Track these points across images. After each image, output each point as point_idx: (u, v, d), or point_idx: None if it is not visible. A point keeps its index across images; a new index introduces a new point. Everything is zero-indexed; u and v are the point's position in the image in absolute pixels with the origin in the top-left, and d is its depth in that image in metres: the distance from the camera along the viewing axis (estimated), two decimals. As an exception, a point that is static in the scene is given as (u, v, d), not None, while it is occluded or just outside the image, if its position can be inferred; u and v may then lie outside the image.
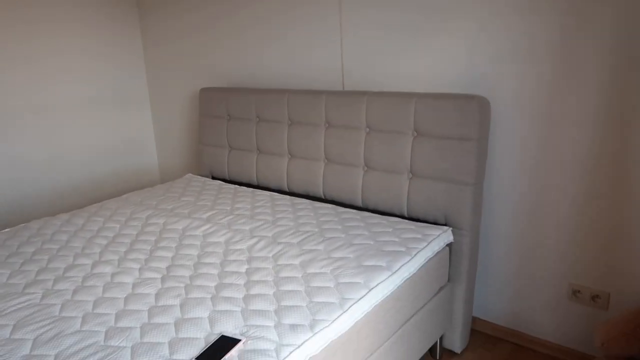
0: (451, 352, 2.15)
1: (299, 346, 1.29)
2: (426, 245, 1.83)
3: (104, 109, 3.19)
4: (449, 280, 2.05)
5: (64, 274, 1.72)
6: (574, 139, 1.88)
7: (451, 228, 1.99)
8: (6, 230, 2.17)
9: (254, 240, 1.92)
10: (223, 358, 1.22)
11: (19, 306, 1.52)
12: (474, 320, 2.31)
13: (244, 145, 2.71)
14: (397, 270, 1.67)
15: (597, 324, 1.97)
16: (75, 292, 1.60)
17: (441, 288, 1.98)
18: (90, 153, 3.16)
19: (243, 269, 1.71)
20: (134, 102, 3.36)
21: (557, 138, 1.92)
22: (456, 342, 2.12)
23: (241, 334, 1.33)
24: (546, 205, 2.00)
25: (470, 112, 1.90)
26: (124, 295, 1.56)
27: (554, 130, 1.92)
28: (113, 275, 1.70)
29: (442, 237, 1.92)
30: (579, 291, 1.99)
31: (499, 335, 2.25)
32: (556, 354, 2.10)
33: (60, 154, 3.01)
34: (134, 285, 1.62)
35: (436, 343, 2.10)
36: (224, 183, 2.72)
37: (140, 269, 1.73)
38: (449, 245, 2.00)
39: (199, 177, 2.86)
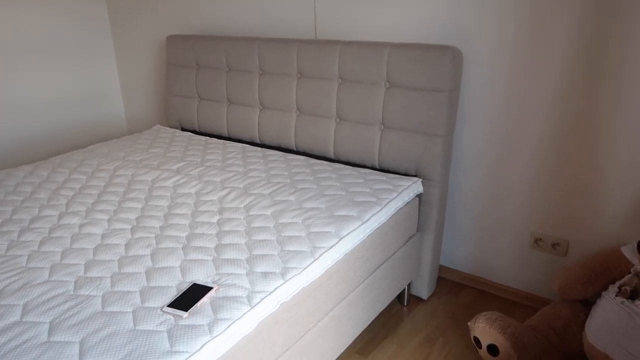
0: (418, 299, 2.23)
1: (270, 293, 1.32)
2: (396, 196, 1.86)
3: (66, 57, 3.04)
4: (417, 230, 2.10)
5: (29, 226, 1.69)
6: (540, 92, 1.90)
7: (421, 179, 2.02)
8: (-34, 181, 2.09)
9: (226, 191, 1.91)
10: (195, 305, 1.24)
11: (-16, 257, 1.49)
12: (441, 268, 2.39)
13: (213, 96, 2.64)
14: (367, 220, 1.69)
15: (556, 270, 2.07)
16: (42, 243, 1.57)
17: (410, 237, 2.03)
18: (52, 103, 3.03)
19: (214, 219, 1.70)
20: (98, 50, 3.21)
21: (524, 91, 1.94)
22: (423, 289, 2.20)
23: (213, 282, 1.34)
24: (511, 157, 2.04)
25: (444, 63, 1.90)
26: (93, 246, 1.54)
27: (522, 84, 1.93)
28: (81, 226, 1.67)
29: (412, 188, 1.95)
30: (540, 239, 2.07)
31: (464, 282, 2.34)
32: (517, 298, 2.21)
33: (20, 104, 2.88)
34: (103, 236, 1.60)
35: (404, 290, 2.17)
36: (193, 134, 2.67)
37: (109, 220, 1.71)
38: (419, 196, 2.04)
39: (168, 128, 2.79)
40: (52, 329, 1.17)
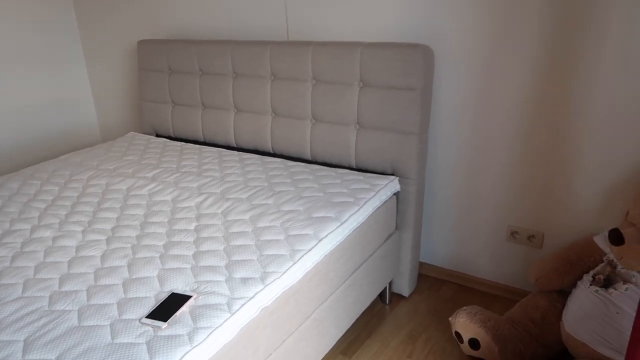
0: (400, 296, 2.25)
1: (250, 298, 1.31)
2: (374, 195, 1.87)
3: (33, 64, 2.97)
4: (396, 228, 2.11)
5: (0, 240, 1.64)
6: (513, 86, 1.94)
7: (398, 177, 2.04)
8: None
9: (202, 197, 1.89)
10: (174, 315, 1.22)
11: (-47, 276, 1.44)
12: (421, 264, 2.41)
13: (187, 101, 2.61)
14: (346, 221, 1.70)
15: (532, 262, 2.11)
16: (14, 258, 1.53)
17: (389, 235, 2.04)
18: (20, 112, 2.96)
19: (192, 226, 1.68)
20: (67, 57, 3.14)
21: (496, 89, 1.97)
22: (404, 287, 2.21)
23: (192, 290, 1.33)
24: (487, 152, 2.07)
25: (415, 61, 1.91)
26: (68, 259, 1.51)
27: (494, 79, 1.96)
28: (54, 239, 1.64)
29: (389, 186, 1.96)
30: (516, 232, 2.11)
31: (444, 277, 2.36)
32: (496, 291, 2.24)
33: (-13, 114, 2.80)
34: (78, 248, 1.57)
35: (385, 288, 2.18)
36: (168, 140, 2.63)
37: (83, 232, 1.68)
38: (396, 194, 2.05)
39: (142, 135, 2.75)
40: (26, 346, 1.14)
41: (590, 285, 1.63)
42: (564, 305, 1.79)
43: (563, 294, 1.84)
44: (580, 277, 1.76)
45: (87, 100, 3.32)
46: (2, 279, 1.42)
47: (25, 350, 1.13)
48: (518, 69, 1.90)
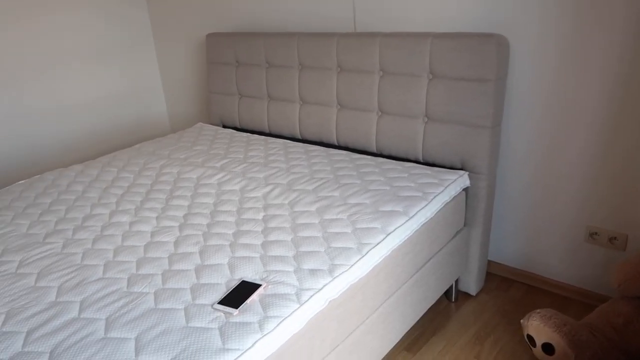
0: (467, 295, 2.18)
1: (319, 290, 1.31)
2: (443, 190, 1.81)
3: (110, 59, 3.12)
4: (465, 224, 2.04)
5: (82, 224, 1.74)
6: (594, 80, 1.81)
7: (467, 172, 1.97)
8: (21, 182, 2.18)
9: (269, 187, 1.91)
10: (245, 302, 1.24)
11: (41, 255, 1.54)
12: (489, 263, 2.32)
13: (254, 92, 2.65)
14: (414, 215, 1.66)
15: (614, 265, 1.97)
16: (95, 241, 1.61)
17: (457, 232, 1.98)
18: (98, 104, 3.12)
19: (260, 216, 1.71)
20: (140, 51, 3.28)
21: (577, 80, 1.85)
22: (471, 285, 2.14)
23: (261, 279, 1.34)
24: (564, 147, 1.96)
25: (489, 52, 1.83)
26: (144, 244, 1.58)
27: (575, 72, 1.84)
28: (131, 224, 1.71)
29: (458, 181, 1.89)
30: (596, 233, 1.98)
31: (514, 277, 2.27)
32: (571, 294, 2.12)
33: (68, 105, 2.97)
34: (153, 234, 1.63)
35: (452, 286, 2.12)
36: (235, 131, 2.69)
37: (157, 218, 1.74)
38: (466, 189, 1.99)
39: (210, 125, 2.83)
40: (108, 325, 1.20)
41: (682, 293, 1.50)
42: (649, 313, 1.66)
43: (648, 301, 1.71)
44: (670, 284, 1.62)
45: (157, 92, 3.45)
46: (85, 260, 1.50)
47: (107, 328, 1.19)
48: (602, 58, 1.78)
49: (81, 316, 1.24)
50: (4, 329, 1.21)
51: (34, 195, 2.01)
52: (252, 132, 2.75)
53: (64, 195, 2.00)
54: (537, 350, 1.67)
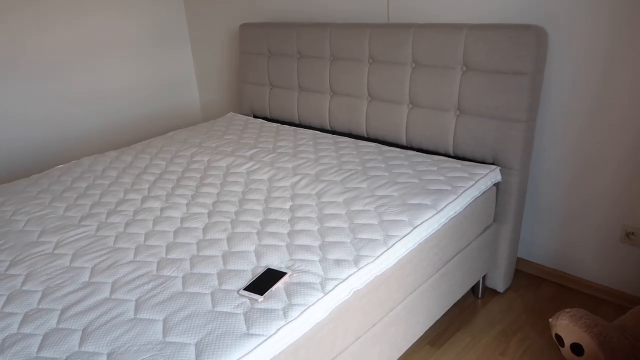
0: (494, 292, 2.15)
1: (344, 280, 1.31)
2: (473, 185, 1.78)
3: (146, 50, 3.19)
4: (495, 220, 2.01)
5: (116, 209, 1.79)
6: (636, 80, 1.74)
7: (499, 167, 1.93)
8: (60, 166, 2.25)
9: (298, 178, 1.92)
10: (270, 290, 1.26)
11: (76, 237, 1.60)
12: (519, 260, 2.28)
13: (285, 83, 2.66)
14: (442, 209, 1.64)
15: (650, 267, 1.90)
16: (127, 225, 1.66)
17: (487, 228, 1.94)
18: (134, 93, 3.20)
19: (287, 205, 1.72)
20: (175, 41, 3.34)
21: (617, 75, 1.78)
22: (499, 282, 2.11)
23: (287, 268, 1.36)
24: (601, 145, 1.89)
25: (526, 44, 1.78)
26: (174, 229, 1.61)
27: (615, 67, 1.77)
28: (162, 210, 1.75)
29: (489, 176, 1.86)
30: (633, 233, 1.92)
31: (544, 276, 2.22)
32: (604, 296, 2.06)
33: (107, 94, 3.06)
34: (182, 220, 1.67)
35: (479, 282, 2.09)
36: (265, 122, 2.71)
37: (187, 205, 1.78)
38: (497, 184, 1.95)
39: (241, 115, 2.86)
40: (138, 307, 1.23)
41: None
42: (687, 317, 1.60)
43: (686, 306, 1.65)
44: None
45: (191, 81, 3.51)
46: (118, 243, 1.54)
47: (137, 310, 1.22)
48: (647, 53, 1.71)
49: (113, 297, 1.28)
50: (40, 306, 1.27)
51: (71, 180, 2.08)
52: (283, 122, 2.77)
53: (100, 180, 2.06)
54: (566, 351, 1.63)
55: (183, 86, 3.47)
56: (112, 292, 1.30)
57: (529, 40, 1.77)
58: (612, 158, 1.89)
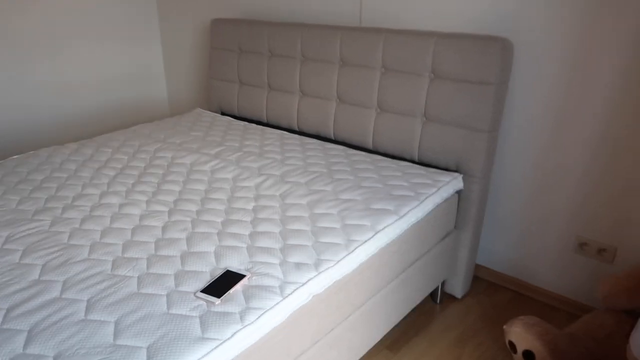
0: (452, 297, 2.18)
1: (303, 284, 1.31)
2: (435, 191, 1.81)
3: (112, 39, 3.10)
4: (455, 227, 2.04)
5: (72, 203, 1.73)
6: (601, 88, 1.80)
7: (462, 175, 1.96)
8: (15, 157, 2.17)
9: (262, 178, 1.90)
10: (228, 292, 1.24)
11: (28, 232, 1.54)
12: (477, 267, 2.33)
13: (254, 81, 2.64)
14: (404, 215, 1.66)
15: (601, 277, 1.98)
16: (83, 221, 1.61)
17: (447, 234, 1.97)
18: (99, 83, 3.11)
19: (250, 206, 1.70)
20: (144, 32, 3.26)
21: (578, 91, 1.83)
22: (458, 288, 2.15)
23: (246, 270, 1.34)
24: (558, 156, 1.95)
25: (492, 54, 1.82)
26: (131, 227, 1.57)
27: (580, 79, 1.83)
28: (120, 206, 1.71)
29: (452, 183, 1.89)
30: (585, 244, 1.98)
31: (501, 282, 2.27)
32: (556, 303, 2.13)
33: (68, 83, 2.96)
34: (141, 217, 1.63)
35: (438, 287, 2.12)
36: (233, 119, 2.67)
37: (147, 202, 1.74)
38: (459, 192, 1.98)
39: (208, 112, 2.81)
40: (89, 307, 1.20)
41: (666, 309, 1.51)
42: (632, 326, 1.66)
43: (632, 315, 1.72)
44: (654, 300, 1.63)
45: (159, 74, 3.43)
46: (72, 240, 1.49)
47: (87, 310, 1.18)
48: (608, 69, 1.76)
49: (63, 296, 1.24)
50: (-16, 304, 1.21)
51: (27, 171, 2.00)
52: (250, 120, 2.74)
53: (57, 172, 1.99)
54: (518, 357, 1.67)
55: (151, 79, 3.39)
56: (63, 291, 1.26)
57: (494, 51, 1.81)
58: (570, 171, 1.95)
